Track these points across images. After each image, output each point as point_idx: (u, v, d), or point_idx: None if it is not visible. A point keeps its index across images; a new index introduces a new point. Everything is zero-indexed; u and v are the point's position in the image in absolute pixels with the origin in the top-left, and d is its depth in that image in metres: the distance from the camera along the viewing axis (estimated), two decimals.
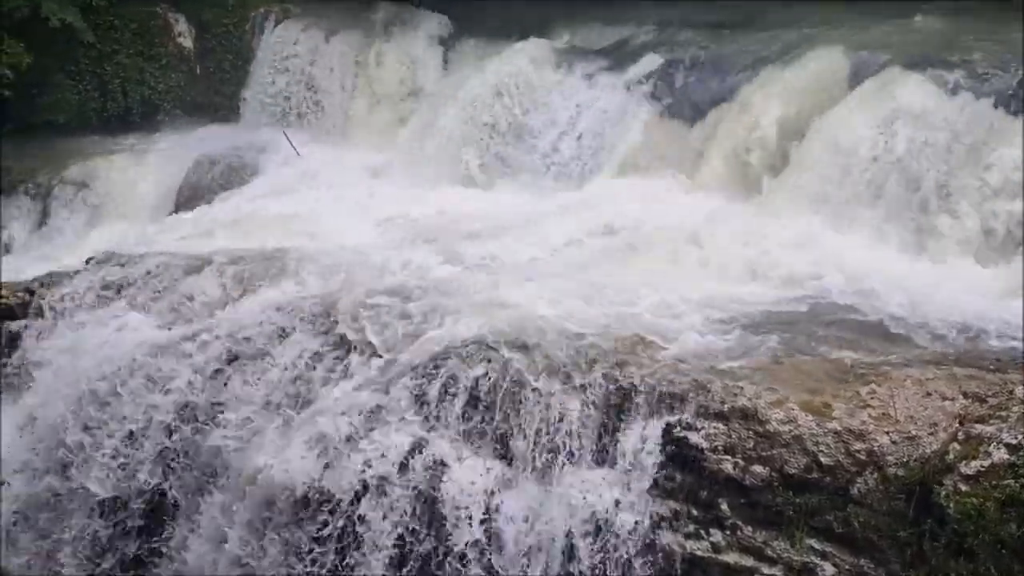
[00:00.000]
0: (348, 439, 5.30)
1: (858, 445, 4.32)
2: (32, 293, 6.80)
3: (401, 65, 10.40)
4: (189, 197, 9.32)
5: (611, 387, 4.91)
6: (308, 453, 5.32)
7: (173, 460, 5.68)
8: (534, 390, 5.02)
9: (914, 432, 4.29)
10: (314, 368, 5.63)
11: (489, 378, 5.14)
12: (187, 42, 11.28)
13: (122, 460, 5.75)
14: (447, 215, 8.19)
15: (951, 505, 4.03)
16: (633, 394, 4.84)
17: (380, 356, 5.60)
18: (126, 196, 9.54)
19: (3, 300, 6.76)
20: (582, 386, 4.95)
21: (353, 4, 10.87)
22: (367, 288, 6.22)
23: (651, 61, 8.67)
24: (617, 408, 4.86)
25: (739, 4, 9.09)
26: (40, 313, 6.60)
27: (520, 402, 5.02)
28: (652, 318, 5.56)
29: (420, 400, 5.28)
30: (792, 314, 5.67)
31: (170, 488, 5.60)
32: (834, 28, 8.29)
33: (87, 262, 6.94)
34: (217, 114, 11.06)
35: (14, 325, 6.68)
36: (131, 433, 5.77)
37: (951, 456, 4.15)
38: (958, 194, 6.49)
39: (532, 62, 9.09)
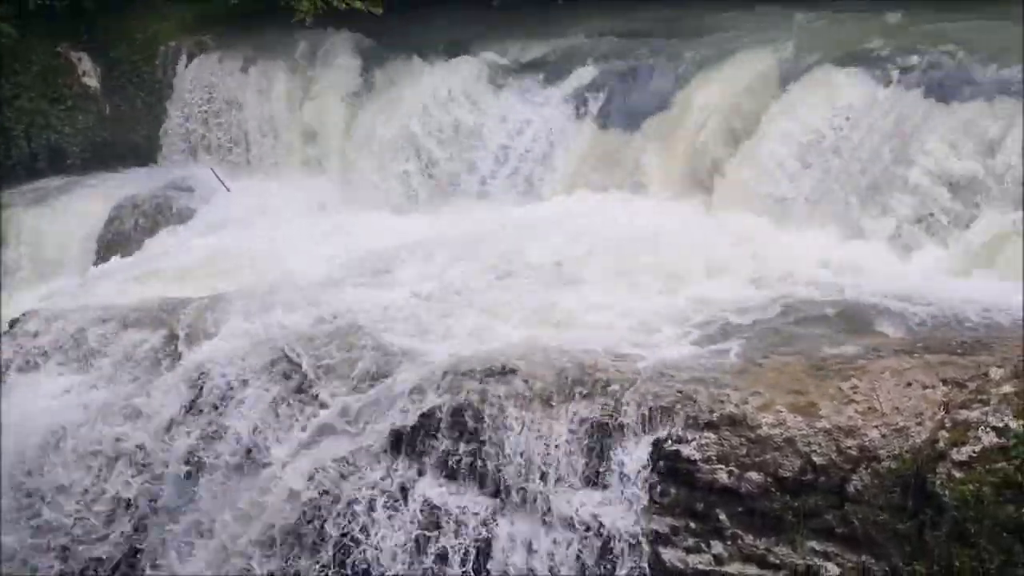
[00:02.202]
0: (323, 492, 5.08)
1: (849, 442, 4.33)
2: None
3: (325, 91, 10.11)
4: (112, 245, 8.80)
5: (595, 407, 4.80)
6: (284, 507, 5.06)
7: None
8: (516, 418, 4.88)
9: (901, 423, 4.33)
10: (277, 416, 5.35)
11: (469, 409, 4.98)
12: (93, 81, 10.72)
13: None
14: (390, 243, 7.93)
15: (947, 493, 4.06)
16: (619, 412, 4.75)
17: (346, 396, 5.37)
18: (41, 250, 8.94)
19: None
20: (565, 409, 4.83)
21: (269, 33, 10.50)
22: (324, 327, 5.98)
23: (585, 73, 8.65)
24: (604, 428, 4.75)
25: (665, 11, 9.16)
26: None
27: (504, 431, 4.87)
28: (624, 333, 5.50)
29: (398, 440, 5.08)
30: (759, 314, 5.68)
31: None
32: (761, 31, 8.44)
33: (11, 324, 6.45)
34: (133, 155, 10.50)
35: None
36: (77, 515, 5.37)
37: (941, 444, 4.18)
38: (899, 181, 6.67)
39: (465, 80, 8.96)
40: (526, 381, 5.02)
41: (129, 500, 5.51)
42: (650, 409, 4.72)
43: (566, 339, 5.45)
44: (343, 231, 8.29)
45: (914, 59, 7.22)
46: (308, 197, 9.15)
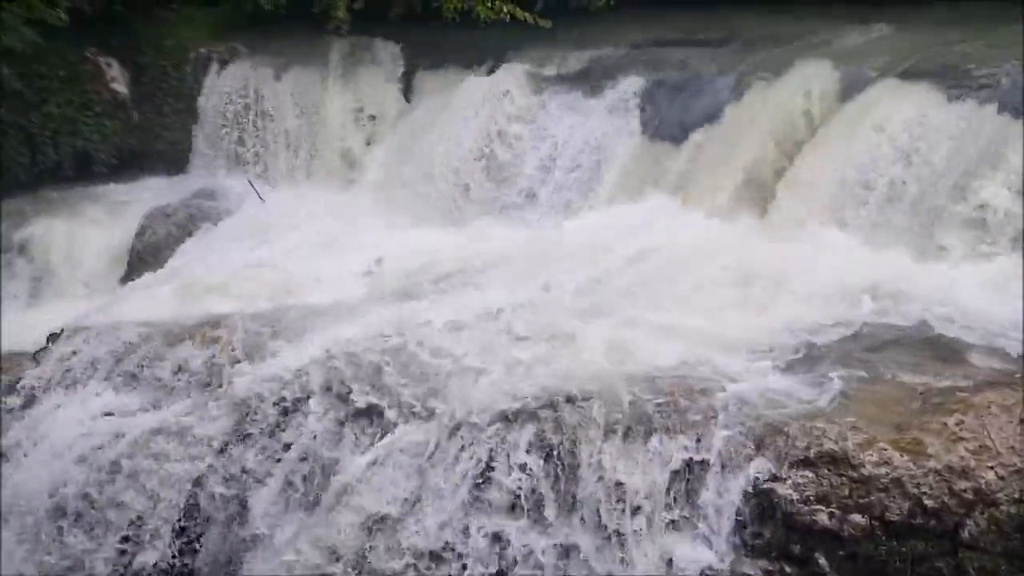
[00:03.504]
0: (386, 521, 4.80)
1: (962, 484, 4.05)
2: None
3: (359, 100, 9.89)
4: (144, 256, 8.55)
5: (677, 441, 4.52)
6: (347, 534, 4.79)
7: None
8: (591, 451, 4.60)
9: (1020, 465, 4.05)
10: (337, 440, 5.08)
11: (539, 441, 4.70)
12: (121, 87, 10.49)
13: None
14: (430, 258, 7.65)
15: None
16: (703, 447, 4.47)
17: (407, 424, 5.10)
18: (72, 261, 8.69)
19: None
20: (645, 442, 4.56)
21: (302, 40, 10.28)
22: (376, 346, 5.71)
23: (630, 84, 8.39)
24: (687, 463, 4.47)
25: (716, 19, 8.91)
26: (3, 401, 5.84)
27: (577, 464, 4.59)
28: (698, 360, 5.20)
29: (465, 472, 4.80)
30: (838, 339, 5.40)
31: None
32: (818, 40, 8.18)
33: (50, 339, 6.18)
34: (161, 163, 10.28)
35: None
36: (126, 539, 5.10)
37: None
38: (973, 198, 6.39)
39: (508, 90, 8.71)
40: (599, 411, 4.75)
41: (178, 525, 5.24)
42: (738, 443, 4.45)
43: (637, 366, 5.17)
44: (381, 245, 8.04)
45: (985, 72, 6.96)
46: (344, 209, 8.90)
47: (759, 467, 4.33)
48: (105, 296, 7.93)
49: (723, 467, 4.42)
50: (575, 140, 8.36)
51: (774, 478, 4.29)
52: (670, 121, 8.17)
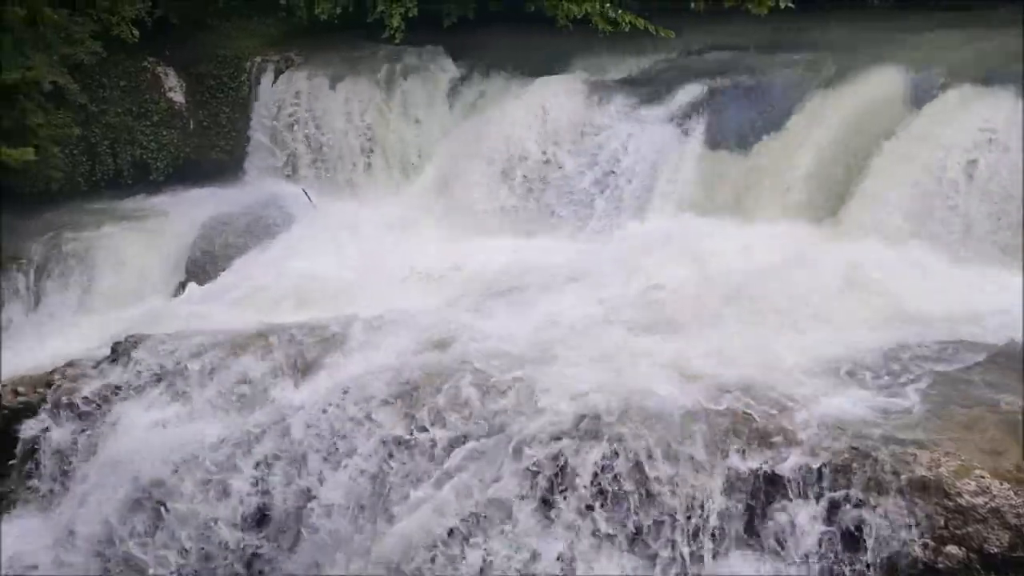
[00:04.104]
0: (452, 536, 4.69)
1: None
2: (52, 386, 6.05)
3: (412, 109, 9.83)
4: (201, 265, 8.58)
5: (756, 463, 4.35)
6: (410, 550, 4.69)
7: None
8: (664, 470, 4.45)
9: None
10: (401, 458, 4.99)
11: (610, 460, 4.56)
12: (178, 96, 10.57)
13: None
14: (487, 269, 7.59)
15: None
16: (786, 470, 4.30)
17: (475, 440, 4.99)
18: (129, 269, 8.73)
19: (21, 396, 6.00)
20: (721, 463, 4.40)
21: (355, 49, 10.28)
22: (438, 358, 5.62)
23: (691, 90, 8.22)
24: (768, 487, 4.30)
25: (781, 25, 8.68)
26: (66, 409, 5.85)
27: (650, 485, 4.44)
28: (775, 378, 5.01)
29: (529, 488, 4.68)
30: (922, 358, 5.18)
31: None
32: (891, 46, 7.93)
33: (113, 348, 6.19)
34: (216, 171, 10.30)
35: (34, 424, 5.91)
36: (185, 550, 5.06)
37: None
38: None
39: (563, 98, 8.59)
40: (673, 429, 4.60)
41: (239, 535, 5.20)
42: (821, 467, 4.27)
43: (710, 383, 5.00)
44: (437, 254, 7.98)
45: None
46: (398, 218, 8.84)
47: (844, 493, 4.14)
48: (161, 304, 7.97)
49: (804, 490, 4.25)
50: (634, 148, 8.21)
51: (860, 504, 4.09)
52: (733, 129, 7.98)
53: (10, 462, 5.86)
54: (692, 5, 8.96)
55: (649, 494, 4.44)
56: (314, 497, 5.10)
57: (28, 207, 9.45)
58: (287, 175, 9.80)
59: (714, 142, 8.01)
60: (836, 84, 7.72)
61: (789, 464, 4.32)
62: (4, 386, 6.14)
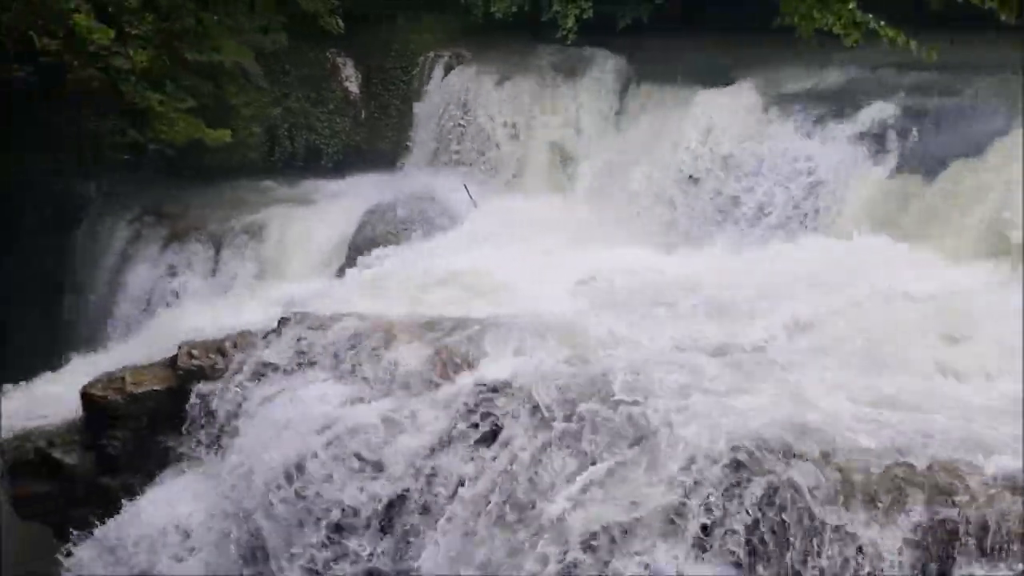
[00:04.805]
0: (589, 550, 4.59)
1: None
2: (224, 354, 6.41)
3: (577, 111, 9.81)
4: (361, 250, 8.88)
5: (935, 521, 3.99)
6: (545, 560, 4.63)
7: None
8: (832, 515, 4.17)
9: None
10: (553, 460, 4.93)
11: (767, 496, 4.32)
12: (354, 86, 11.04)
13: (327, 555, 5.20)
14: (646, 279, 7.36)
15: None
16: (965, 531, 3.93)
17: (616, 455, 4.85)
18: (297, 248, 9.19)
19: (195, 360, 6.39)
20: (898, 513, 4.07)
21: (526, 49, 10.38)
22: (587, 370, 5.51)
23: (879, 110, 7.73)
24: (944, 549, 3.94)
25: (989, 40, 8.02)
26: (235, 376, 6.18)
27: (814, 530, 4.17)
28: (956, 428, 4.60)
29: (675, 515, 4.49)
30: None
31: None
32: None
33: (279, 323, 6.48)
34: (380, 160, 10.71)
35: (205, 388, 6.28)
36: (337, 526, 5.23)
37: None
38: None
39: (737, 109, 8.32)
40: (842, 472, 4.30)
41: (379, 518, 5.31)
42: (1008, 531, 3.87)
43: (885, 425, 4.65)
44: (596, 263, 7.83)
45: None
46: (558, 221, 8.81)
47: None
48: (324, 285, 8.28)
49: (989, 551, 3.86)
50: (809, 166, 7.81)
51: None
52: (922, 153, 7.44)
53: (180, 422, 6.25)
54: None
55: (812, 540, 4.15)
56: (452, 488, 5.13)
57: (210, 182, 10.12)
58: (449, 169, 10.01)
59: (898, 164, 7.50)
60: None
61: (973, 520, 3.93)
62: (180, 347, 6.55)
